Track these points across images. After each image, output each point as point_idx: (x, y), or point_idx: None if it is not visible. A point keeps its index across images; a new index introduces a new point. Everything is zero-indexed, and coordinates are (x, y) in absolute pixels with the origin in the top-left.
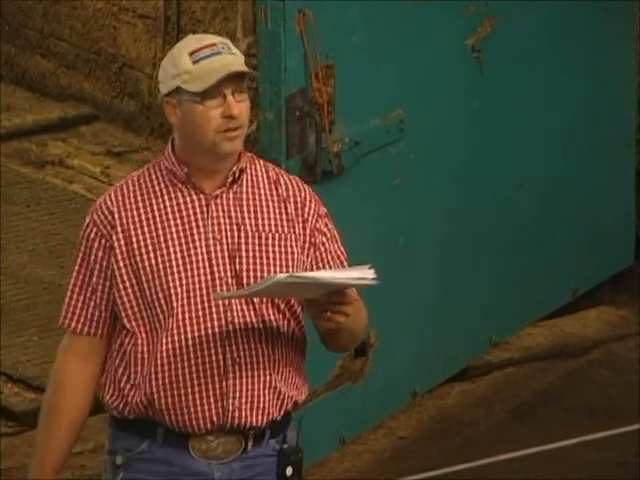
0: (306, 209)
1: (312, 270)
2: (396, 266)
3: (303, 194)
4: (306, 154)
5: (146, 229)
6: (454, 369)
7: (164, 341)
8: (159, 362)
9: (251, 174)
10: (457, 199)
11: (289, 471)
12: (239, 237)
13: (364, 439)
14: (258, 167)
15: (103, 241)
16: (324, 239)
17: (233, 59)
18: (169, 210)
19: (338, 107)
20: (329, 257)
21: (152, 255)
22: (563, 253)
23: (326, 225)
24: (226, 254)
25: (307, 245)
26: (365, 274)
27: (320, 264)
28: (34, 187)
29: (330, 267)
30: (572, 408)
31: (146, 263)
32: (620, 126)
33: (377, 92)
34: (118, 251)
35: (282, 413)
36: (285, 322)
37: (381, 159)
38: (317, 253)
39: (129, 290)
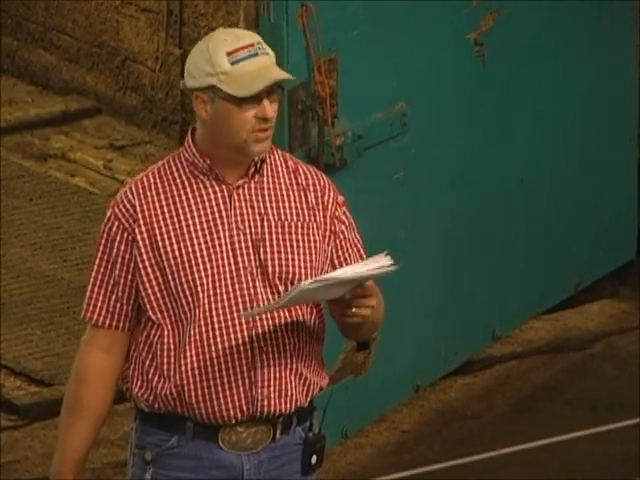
0: (326, 197)
1: (333, 259)
2: (397, 260)
3: (322, 182)
4: (308, 147)
5: (169, 221)
6: (456, 363)
7: (192, 332)
8: (187, 353)
9: (271, 164)
10: (459, 193)
11: (314, 459)
12: (262, 227)
13: (366, 432)
14: (277, 157)
15: (125, 234)
16: (343, 227)
17: (269, 61)
18: (192, 201)
19: (341, 100)
20: (348, 245)
21: (176, 247)
22: (565, 247)
23: (344, 213)
24: (250, 244)
25: (328, 233)
26: (383, 262)
27: (340, 252)
28: (36, 180)
29: (349, 255)
30: (574, 402)
31: (170, 255)
32: (622, 120)
33: (380, 86)
34: (141, 244)
35: (308, 399)
36: (308, 309)
37: (383, 153)
38: (337, 241)
39: (153, 282)
